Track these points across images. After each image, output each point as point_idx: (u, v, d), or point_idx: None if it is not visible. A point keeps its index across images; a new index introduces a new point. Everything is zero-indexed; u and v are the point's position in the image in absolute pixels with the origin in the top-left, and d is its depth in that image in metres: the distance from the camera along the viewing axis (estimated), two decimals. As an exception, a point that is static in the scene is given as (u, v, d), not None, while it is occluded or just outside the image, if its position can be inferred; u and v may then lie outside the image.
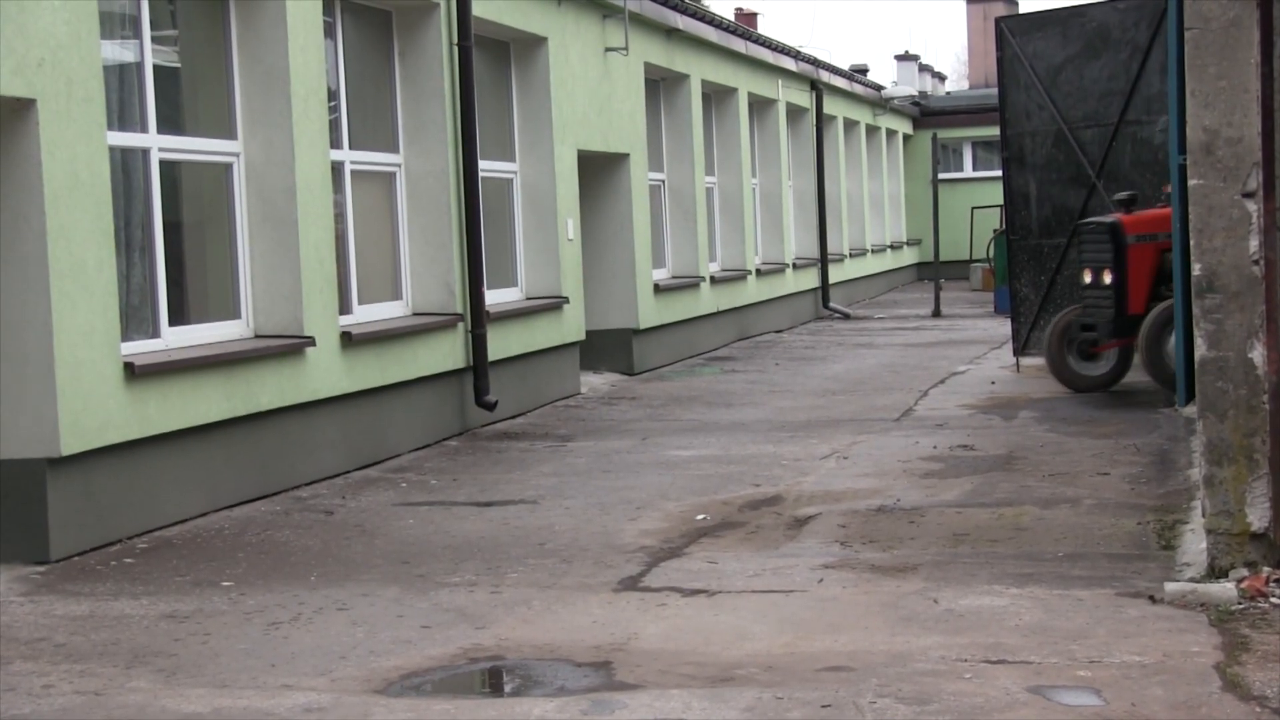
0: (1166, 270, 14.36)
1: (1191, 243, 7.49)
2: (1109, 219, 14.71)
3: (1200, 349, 7.43)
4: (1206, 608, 7.02)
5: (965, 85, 47.33)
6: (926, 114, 38.42)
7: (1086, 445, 11.97)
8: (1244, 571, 7.31)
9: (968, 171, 38.38)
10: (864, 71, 35.84)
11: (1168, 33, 13.16)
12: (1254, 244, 7.33)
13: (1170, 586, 7.31)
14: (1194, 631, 6.71)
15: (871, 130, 34.15)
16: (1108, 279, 14.52)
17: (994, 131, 19.56)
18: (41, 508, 8.90)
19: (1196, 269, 7.42)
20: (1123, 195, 15.14)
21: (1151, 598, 7.26)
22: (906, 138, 38.23)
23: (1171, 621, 6.88)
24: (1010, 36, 16.41)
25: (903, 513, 9.61)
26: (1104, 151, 15.78)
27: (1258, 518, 7.35)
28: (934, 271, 27.44)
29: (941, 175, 37.28)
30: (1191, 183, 7.45)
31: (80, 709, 6.21)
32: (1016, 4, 41.15)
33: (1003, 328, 19.17)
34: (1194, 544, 8.13)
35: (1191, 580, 7.41)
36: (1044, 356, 15.40)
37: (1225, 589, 7.15)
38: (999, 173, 17.87)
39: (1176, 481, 10.26)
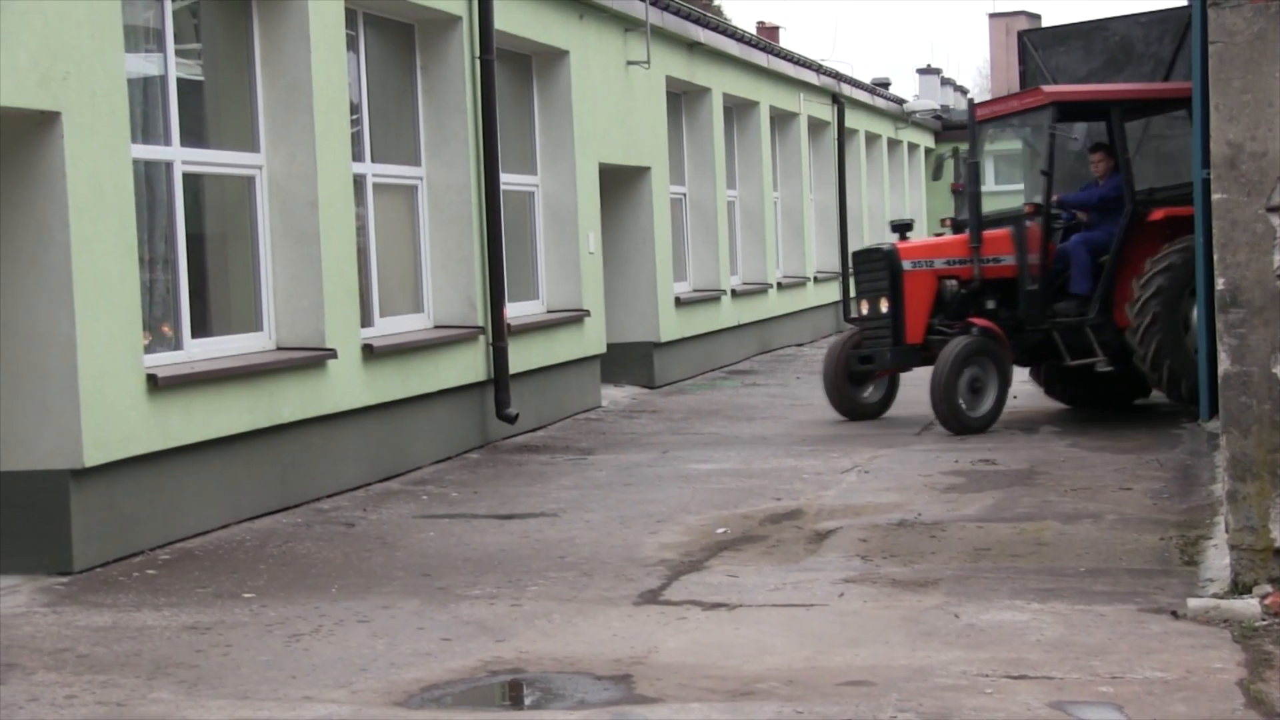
0: (945, 299, 14.25)
1: (1215, 257, 7.47)
2: (885, 246, 14.58)
3: (1224, 364, 7.41)
4: (1230, 624, 7.00)
5: (988, 99, 47.28)
6: (949, 127, 38.34)
7: (1109, 460, 11.93)
8: (1268, 588, 7.28)
9: (990, 185, 38.28)
10: (886, 85, 35.84)
11: (1191, 46, 13.13)
12: (1278, 259, 7.30)
13: (1193, 602, 7.28)
14: (1217, 648, 6.68)
15: (893, 144, 34.14)
16: (884, 307, 14.23)
17: (1016, 145, 19.52)
18: (65, 519, 8.94)
19: (1220, 284, 7.40)
20: (900, 220, 15.12)
21: (1174, 613, 7.23)
22: (928, 151, 38.20)
23: (1194, 638, 6.85)
24: (1033, 50, 16.40)
25: (924, 527, 9.59)
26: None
27: (1281, 533, 7.32)
28: (956, 285, 27.40)
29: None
30: (1215, 197, 7.43)
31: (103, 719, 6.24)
32: (1039, 17, 41.11)
33: (1025, 342, 19.15)
34: (1217, 560, 8.10)
35: (1215, 596, 7.38)
36: (822, 382, 15.14)
37: (1249, 605, 7.12)
38: (1021, 187, 17.85)
39: (1199, 497, 10.23)
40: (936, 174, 16.23)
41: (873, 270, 14.41)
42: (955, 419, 13.56)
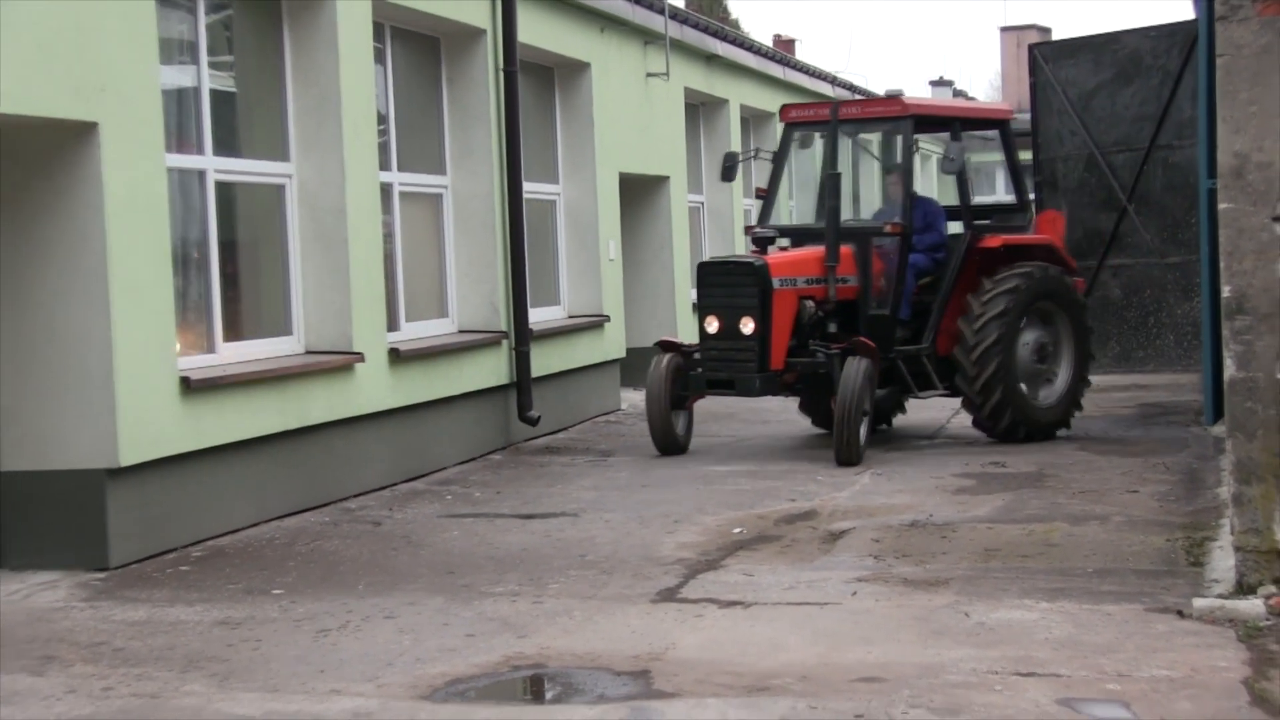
0: (802, 321, 12.66)
1: (1221, 265, 7.46)
2: (752, 259, 12.72)
3: (1229, 370, 7.40)
4: (1234, 624, 6.99)
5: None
6: (957, 137, 38.25)
7: (1116, 463, 11.92)
8: (1272, 588, 7.27)
9: (1000, 194, 38.22)
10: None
11: (1199, 59, 13.11)
12: (1282, 267, 7.29)
13: (1198, 602, 7.27)
14: (1222, 647, 6.67)
15: (906, 154, 34.04)
16: (748, 328, 12.40)
17: (1026, 156, 19.51)
18: (101, 517, 8.99)
19: (1226, 291, 7.39)
20: (762, 232, 13.22)
21: (1180, 613, 7.23)
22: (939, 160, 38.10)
23: (1199, 637, 6.85)
24: (1043, 63, 16.38)
25: (935, 528, 9.59)
26: (1135, 176, 15.70)
27: (1285, 535, 7.31)
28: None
29: (975, 198, 37.12)
30: (1222, 206, 7.43)
31: (138, 711, 6.27)
32: (1050, 31, 41.02)
33: (1035, 348, 19.19)
34: (1222, 561, 8.09)
35: (1219, 596, 7.37)
36: (646, 407, 13.09)
37: (1253, 605, 7.11)
38: (1032, 196, 17.85)
39: (1205, 499, 10.21)
40: (727, 175, 14.09)
41: (736, 286, 12.54)
42: (857, 447, 12.07)
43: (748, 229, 13.69)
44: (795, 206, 19.92)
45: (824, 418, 13.79)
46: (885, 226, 12.94)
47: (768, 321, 12.39)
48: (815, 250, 12.85)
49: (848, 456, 12.00)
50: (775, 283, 12.44)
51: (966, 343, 12.73)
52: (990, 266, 13.12)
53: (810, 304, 12.68)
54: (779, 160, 13.77)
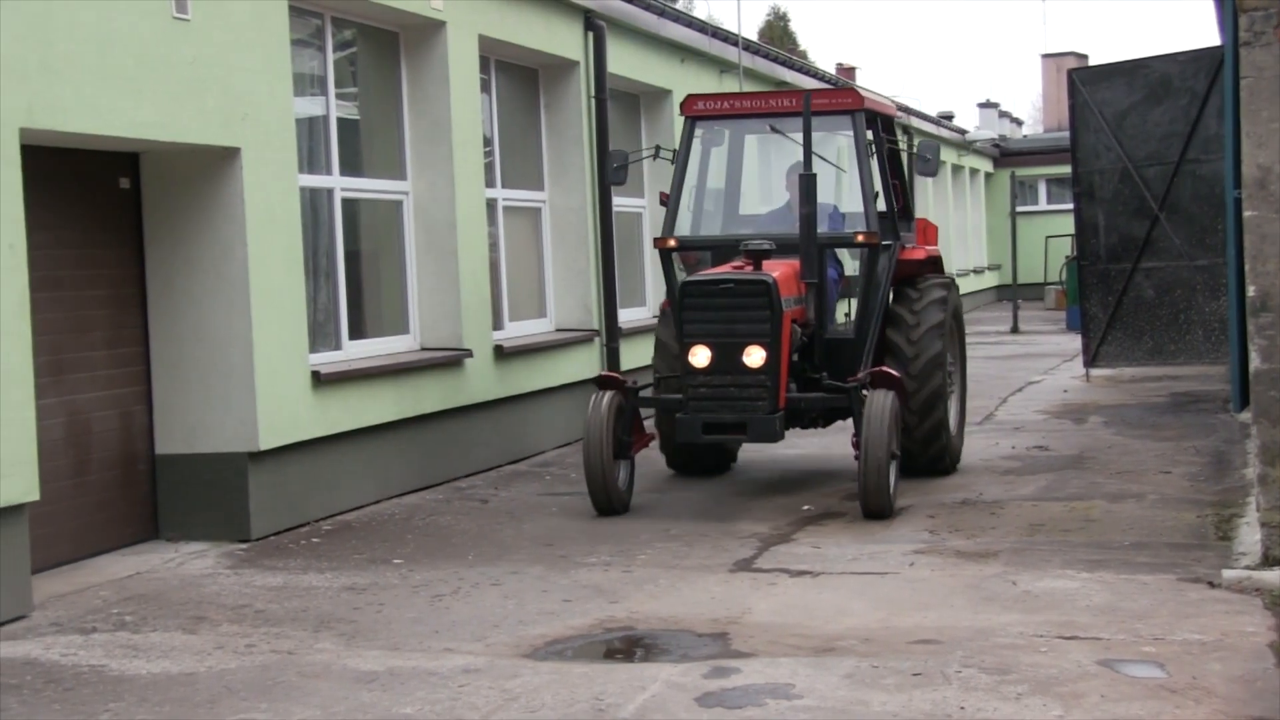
0: (793, 347, 9.50)
1: (1246, 267, 7.34)
2: (763, 275, 9.25)
3: (1255, 362, 7.28)
4: (1261, 593, 6.86)
5: (1040, 129, 46.61)
6: (1006, 154, 37.90)
7: (1150, 447, 11.73)
8: (1294, 561, 7.13)
9: (1042, 205, 37.77)
10: (950, 117, 35.45)
11: (1224, 81, 12.88)
12: (1303, 268, 7.15)
13: (1227, 573, 7.15)
14: (1249, 614, 6.55)
15: (956, 169, 33.77)
16: (756, 359, 9.10)
17: (1066, 170, 19.24)
18: (243, 495, 9.10)
19: (1251, 291, 7.26)
20: (761, 245, 9.46)
21: (1210, 583, 7.11)
22: (988, 175, 37.73)
23: (1228, 604, 6.73)
24: (1081, 86, 16.16)
25: (985, 505, 9.49)
26: (1165, 187, 15.46)
27: (1307, 513, 7.17)
28: (1012, 293, 27.08)
29: (1019, 208, 36.81)
30: (1247, 214, 7.30)
31: (277, 666, 6.34)
32: (1087, 57, 40.44)
33: (1074, 343, 18.90)
34: (1249, 535, 7.95)
35: (1247, 568, 7.24)
36: (584, 456, 9.52)
37: (1278, 576, 6.97)
38: (1070, 206, 17.57)
39: (1233, 479, 10.03)
40: (619, 176, 11.07)
41: (740, 309, 9.20)
42: (887, 497, 9.02)
43: (656, 241, 10.36)
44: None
45: (685, 460, 10.98)
46: (857, 236, 9.95)
47: (778, 350, 9.22)
48: (789, 264, 9.66)
49: (877, 508, 8.96)
50: (784, 304, 9.30)
51: (906, 388, 9.84)
52: (903, 278, 10.60)
53: (798, 329, 9.61)
54: (683, 160, 10.45)
